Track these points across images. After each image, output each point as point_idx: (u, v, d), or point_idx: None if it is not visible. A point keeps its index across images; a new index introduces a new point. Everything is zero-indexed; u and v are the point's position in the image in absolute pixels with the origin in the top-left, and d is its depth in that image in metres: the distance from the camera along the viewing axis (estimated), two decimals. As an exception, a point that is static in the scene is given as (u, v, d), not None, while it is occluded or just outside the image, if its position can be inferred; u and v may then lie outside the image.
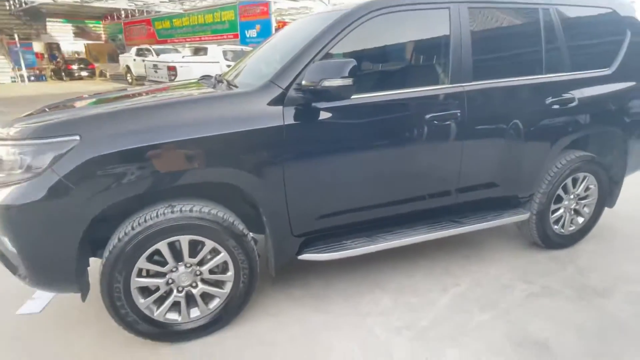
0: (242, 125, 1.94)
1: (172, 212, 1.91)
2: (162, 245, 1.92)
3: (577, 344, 2.10)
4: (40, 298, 2.52)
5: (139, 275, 1.95)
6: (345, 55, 2.15)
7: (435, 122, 2.28)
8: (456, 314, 2.33)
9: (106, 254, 1.87)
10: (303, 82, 1.98)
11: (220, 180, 1.99)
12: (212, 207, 2.02)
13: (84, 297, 1.99)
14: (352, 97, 2.05)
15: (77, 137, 1.74)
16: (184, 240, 1.96)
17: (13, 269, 1.91)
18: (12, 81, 21.28)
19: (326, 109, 2.08)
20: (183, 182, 1.92)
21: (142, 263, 1.91)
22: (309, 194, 2.15)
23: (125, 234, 1.86)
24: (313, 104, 2.05)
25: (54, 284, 1.89)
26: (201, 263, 2.05)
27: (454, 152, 2.39)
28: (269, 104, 2.01)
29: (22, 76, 21.15)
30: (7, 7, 21.83)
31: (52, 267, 1.82)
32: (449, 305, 2.40)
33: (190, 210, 1.94)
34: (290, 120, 2.01)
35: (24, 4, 20.73)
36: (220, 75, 2.93)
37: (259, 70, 2.53)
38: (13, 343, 2.16)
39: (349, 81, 1.88)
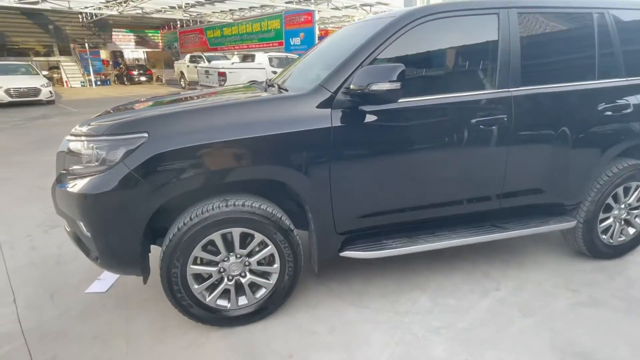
0: (292, 126, 1.99)
1: (227, 205, 1.99)
2: (216, 236, 2.01)
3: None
4: (106, 279, 2.71)
5: (194, 263, 2.04)
6: (392, 60, 2.15)
7: (481, 126, 2.22)
8: (496, 317, 2.26)
9: (166, 241, 1.98)
10: (351, 86, 2.00)
11: (270, 178, 2.05)
12: (262, 202, 2.08)
13: (145, 280, 2.12)
14: (399, 100, 2.04)
15: (146, 135, 1.86)
16: (236, 232, 2.03)
17: (86, 252, 2.07)
18: (82, 85, 22.89)
19: (372, 112, 2.09)
20: (236, 178, 2.00)
21: (197, 251, 2.01)
22: (352, 193, 2.16)
23: (184, 224, 1.96)
24: (360, 107, 2.06)
25: (121, 267, 2.03)
26: (250, 254, 2.12)
27: (498, 157, 2.32)
28: (318, 106, 2.04)
29: (90, 81, 22.73)
30: (80, 20, 23.55)
31: (120, 251, 1.96)
32: (489, 309, 2.33)
33: (243, 205, 2.01)
34: (337, 122, 2.04)
35: (94, 17, 22.26)
36: (270, 80, 3.01)
37: (308, 75, 2.58)
38: (81, 319, 2.33)
39: (397, 85, 1.88)
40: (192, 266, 2.02)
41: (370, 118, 2.08)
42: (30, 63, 15.59)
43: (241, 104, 2.16)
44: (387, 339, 2.11)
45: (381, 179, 2.20)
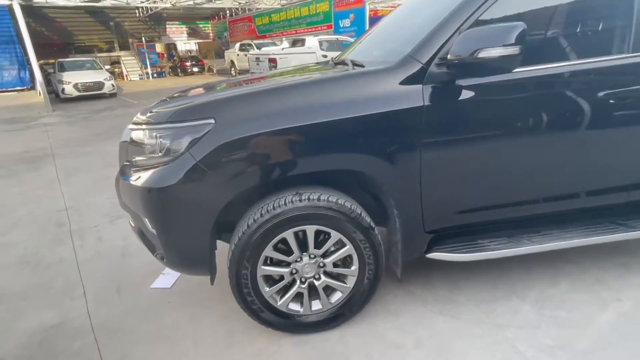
0: (377, 106, 1.68)
1: (300, 200, 1.74)
2: (289, 234, 1.77)
3: None
4: (170, 274, 2.60)
5: (265, 263, 1.83)
6: (496, 22, 1.75)
7: (611, 100, 1.78)
8: (625, 339, 1.84)
9: (235, 240, 1.78)
10: (449, 56, 1.64)
11: (348, 168, 1.77)
12: (339, 196, 1.81)
13: (212, 280, 1.94)
14: (513, 70, 1.66)
15: (212, 121, 1.64)
16: (310, 230, 1.78)
17: (152, 249, 1.93)
18: (140, 78, 23.97)
19: (474, 87, 1.72)
20: (310, 168, 1.73)
21: (268, 251, 1.78)
22: (447, 185, 1.83)
23: (254, 220, 1.74)
24: (459, 81, 1.70)
25: (188, 266, 1.86)
26: (325, 255, 1.87)
27: (634, 139, 1.86)
28: (406, 82, 1.71)
29: (147, 74, 23.71)
30: (137, 15, 24.58)
31: (187, 250, 1.78)
32: (613, 325, 1.91)
33: (318, 199, 1.75)
34: (431, 100, 1.70)
35: (149, 11, 23.10)
36: (335, 58, 2.71)
37: (385, 48, 2.24)
38: (147, 316, 2.22)
39: (515, 49, 1.50)
40: (262, 267, 1.81)
41: (471, 94, 1.71)
42: (94, 59, 16.50)
43: (316, 83, 1.87)
44: (488, 358, 1.78)
45: (483, 169, 1.84)
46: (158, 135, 1.71)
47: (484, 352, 1.81)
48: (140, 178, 1.72)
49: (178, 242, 1.76)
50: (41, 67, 15.22)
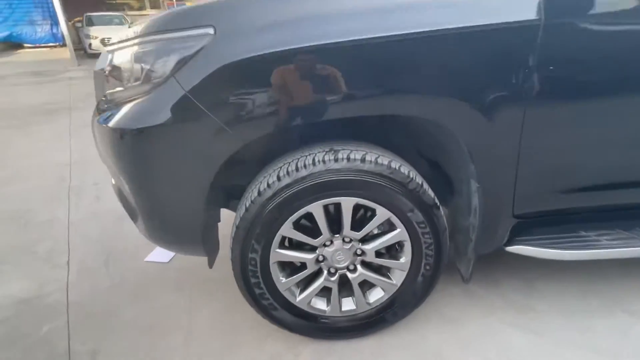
0: (461, 18, 1.08)
1: (336, 159, 1.20)
2: (316, 208, 1.23)
3: None
4: (170, 245, 2.16)
5: (282, 245, 1.33)
6: None
7: None
8: None
9: (241, 211, 1.27)
10: None
11: (418, 114, 1.18)
12: (391, 158, 1.26)
13: (211, 263, 1.46)
14: None
15: (211, 30, 1.09)
16: (347, 204, 1.24)
17: (133, 216, 1.45)
18: (170, 39, 23.51)
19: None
20: (359, 111, 1.16)
21: (287, 229, 1.26)
22: (561, 151, 1.22)
23: (268, 185, 1.21)
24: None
25: (175, 242, 1.37)
26: (365, 240, 1.34)
27: None
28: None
29: (177, 34, 23.20)
30: (169, -28, 23.84)
31: (173, 221, 1.29)
32: None
33: (363, 160, 1.20)
34: (556, 15, 1.08)
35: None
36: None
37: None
38: (135, 297, 1.78)
39: None
40: (278, 250, 1.30)
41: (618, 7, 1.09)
42: (123, 15, 16.10)
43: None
44: (593, 403, 1.23)
45: (623, 130, 1.22)
46: (137, 53, 1.18)
47: (587, 392, 1.27)
48: (110, 117, 1.21)
49: (160, 210, 1.26)
50: (73, 24, 14.99)
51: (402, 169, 1.23)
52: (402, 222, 1.27)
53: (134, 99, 1.16)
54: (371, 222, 1.28)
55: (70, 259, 2.09)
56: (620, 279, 1.73)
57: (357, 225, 1.31)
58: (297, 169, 1.20)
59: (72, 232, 2.36)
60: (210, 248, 1.41)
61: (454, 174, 1.43)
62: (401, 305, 1.42)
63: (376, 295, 1.43)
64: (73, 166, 3.40)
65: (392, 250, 1.41)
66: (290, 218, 1.24)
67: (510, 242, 1.40)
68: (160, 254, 2.07)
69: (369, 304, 1.42)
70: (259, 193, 1.22)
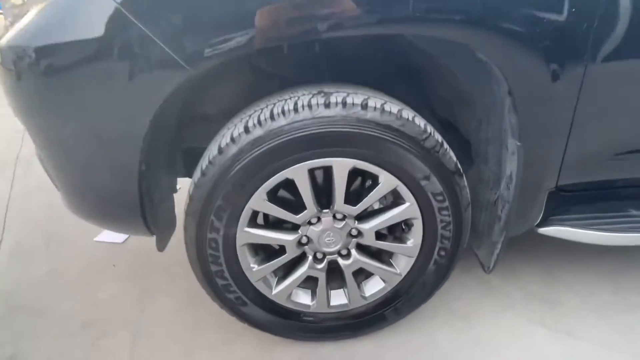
0: None
1: (327, 104, 0.88)
2: (299, 173, 0.91)
3: None
4: (128, 223, 1.82)
5: (252, 223, 1.01)
6: None
7: None
8: None
9: (196, 177, 0.93)
10: None
11: (440, 36, 0.84)
12: (399, 106, 0.94)
13: (161, 245, 1.12)
14: None
15: None
16: (341, 167, 0.92)
17: (56, 184, 1.11)
18: None
19: None
20: (347, 28, 0.82)
21: (259, 202, 0.93)
22: (627, 99, 0.93)
23: (232, 140, 0.88)
24: None
25: (105, 217, 1.02)
26: (363, 217, 1.03)
27: None
28: None
29: None
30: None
31: (98, 187, 0.94)
32: None
33: (364, 107, 0.88)
34: None
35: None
36: None
37: None
38: (76, 286, 1.44)
39: None
40: (247, 229, 0.98)
41: None
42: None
43: None
44: None
45: None
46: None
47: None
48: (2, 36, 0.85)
49: (77, 175, 0.93)
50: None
51: (416, 121, 0.91)
52: (412, 194, 0.95)
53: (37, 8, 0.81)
54: (372, 193, 0.95)
55: (3, 239, 1.74)
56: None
57: (352, 197, 1.00)
58: (272, 117, 0.86)
59: (13, 207, 1.99)
60: (159, 226, 1.08)
61: (475, 135, 1.12)
62: (406, 300, 1.12)
63: (374, 288, 1.12)
64: (26, 133, 3.00)
65: (397, 231, 1.09)
66: (263, 186, 0.92)
67: (543, 222, 1.11)
68: (113, 233, 1.73)
69: (364, 297, 1.12)
70: (220, 151, 0.89)
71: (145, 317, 1.30)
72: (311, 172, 0.93)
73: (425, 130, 0.90)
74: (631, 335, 1.20)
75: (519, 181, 0.93)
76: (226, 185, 0.89)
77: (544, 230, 1.10)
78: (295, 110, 0.85)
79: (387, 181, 0.94)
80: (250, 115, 0.89)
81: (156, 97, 0.81)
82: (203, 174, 0.90)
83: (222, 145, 0.88)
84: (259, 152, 0.86)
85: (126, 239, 1.70)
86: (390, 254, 1.11)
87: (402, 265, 1.08)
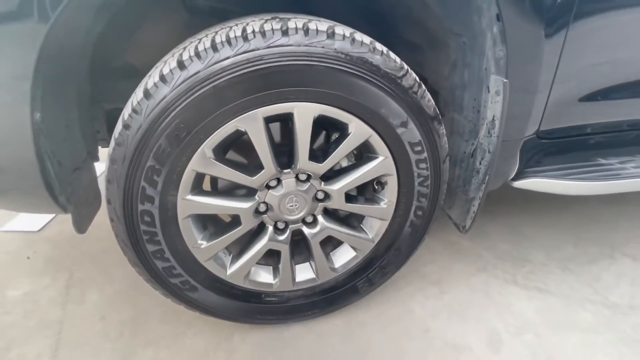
0: None
1: (284, 31, 0.68)
2: (252, 122, 0.72)
3: None
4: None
5: (197, 189, 0.81)
6: None
7: None
8: None
9: (117, 132, 0.70)
10: None
11: None
12: (367, 39, 0.78)
13: (80, 224, 0.88)
14: None
15: None
16: (305, 114, 0.73)
17: None
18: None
19: None
20: None
21: (201, 161, 0.73)
22: (613, 38, 0.83)
23: (163, 79, 0.66)
24: None
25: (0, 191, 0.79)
26: (329, 177, 0.88)
27: None
28: None
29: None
30: None
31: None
32: None
33: (330, 35, 0.70)
34: None
35: None
36: None
37: None
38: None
39: None
40: (190, 197, 0.78)
41: None
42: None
43: None
44: (629, 375, 0.94)
45: None
46: None
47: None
48: None
49: None
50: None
51: (391, 55, 0.75)
52: (387, 145, 0.81)
53: None
54: (342, 146, 0.79)
55: None
56: (612, 220, 1.48)
57: (318, 154, 0.83)
58: (214, 47, 0.66)
59: None
60: (76, 201, 0.84)
61: (447, 82, 0.99)
62: (379, 268, 0.99)
63: (344, 257, 0.98)
64: None
65: (367, 192, 0.96)
66: (207, 141, 0.72)
67: (518, 175, 1.03)
68: (27, 221, 1.42)
69: (334, 270, 0.97)
70: (147, 94, 0.67)
71: (70, 317, 1.05)
72: (267, 119, 0.75)
73: (402, 67, 0.75)
74: (597, 284, 1.18)
75: (503, 126, 0.83)
76: (158, 140, 0.68)
77: (519, 184, 1.02)
78: (245, 37, 0.66)
79: (359, 131, 0.78)
80: (185, 47, 0.68)
81: (39, 22, 0.58)
82: (126, 126, 0.68)
83: (149, 87, 0.67)
84: (198, 94, 0.66)
85: (43, 227, 1.40)
86: (360, 219, 0.97)
87: (375, 229, 0.94)
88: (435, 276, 1.20)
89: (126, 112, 0.69)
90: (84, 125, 0.92)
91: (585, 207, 1.54)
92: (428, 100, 0.79)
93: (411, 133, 0.79)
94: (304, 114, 0.73)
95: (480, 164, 0.91)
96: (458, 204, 1.04)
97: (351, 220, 0.98)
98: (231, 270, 0.89)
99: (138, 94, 0.68)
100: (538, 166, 1.03)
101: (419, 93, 0.77)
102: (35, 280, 1.18)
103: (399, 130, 0.79)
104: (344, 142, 0.79)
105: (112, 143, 0.71)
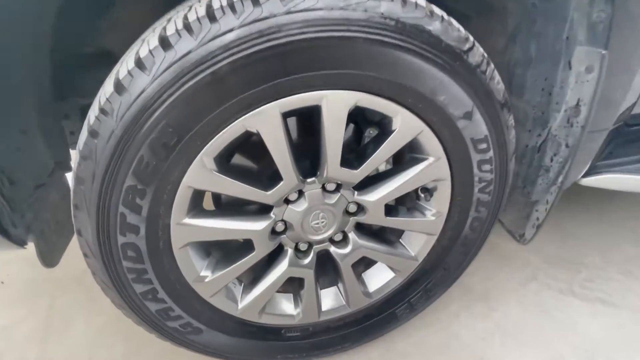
0: None
1: (309, -13, 0.50)
2: (267, 120, 0.52)
3: None
4: None
5: (195, 209, 0.61)
6: None
7: None
8: None
9: (82, 140, 0.51)
10: None
11: None
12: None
13: (46, 258, 0.67)
14: None
15: None
16: (337, 105, 0.53)
17: None
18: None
19: None
20: None
21: (200, 173, 0.54)
22: None
23: (139, 65, 0.47)
24: None
25: None
26: (363, 185, 0.69)
27: None
28: None
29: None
30: None
31: None
32: None
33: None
34: None
35: None
36: None
37: None
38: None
39: None
40: (188, 220, 0.59)
41: None
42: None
43: None
44: None
45: None
46: None
47: None
48: None
49: None
50: None
51: (453, 22, 0.56)
52: (442, 143, 0.63)
53: None
54: (385, 145, 0.60)
55: None
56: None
57: (350, 157, 0.65)
58: (211, 16, 0.47)
59: None
60: (40, 228, 0.66)
61: (504, 58, 0.80)
62: (424, 292, 0.81)
63: (379, 280, 0.80)
64: None
65: (407, 200, 0.77)
66: (207, 147, 0.52)
67: (588, 172, 0.85)
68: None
69: (367, 294, 0.80)
70: (119, 87, 0.47)
71: (50, 356, 0.89)
72: (287, 115, 0.56)
73: (467, 38, 0.56)
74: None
75: (592, 113, 0.63)
76: (138, 151, 0.49)
77: (589, 181, 0.83)
78: (254, 0, 0.46)
79: (407, 126, 0.59)
80: (170, 19, 0.49)
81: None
82: (93, 133, 0.49)
83: (121, 77, 0.47)
84: (190, 84, 0.47)
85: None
86: (398, 233, 0.78)
87: (418, 246, 0.76)
88: (480, 289, 1.03)
89: (92, 113, 0.50)
90: (49, 128, 0.73)
91: (635, 196, 1.36)
92: (498, 83, 0.60)
93: (476, 126, 0.60)
94: (336, 106, 0.54)
95: (551, 160, 0.72)
96: (514, 207, 0.86)
97: (387, 235, 0.80)
98: (243, 305, 0.71)
99: (107, 87, 0.49)
100: (611, 158, 0.85)
101: (487, 73, 0.58)
102: (9, 310, 1.00)
103: (461, 124, 0.59)
104: (387, 141, 0.60)
105: (77, 156, 0.52)
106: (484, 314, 0.96)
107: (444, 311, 0.96)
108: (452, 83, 0.55)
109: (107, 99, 0.47)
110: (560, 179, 0.72)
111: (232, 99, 0.49)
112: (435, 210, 0.71)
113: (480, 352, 0.87)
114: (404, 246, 0.77)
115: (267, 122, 0.53)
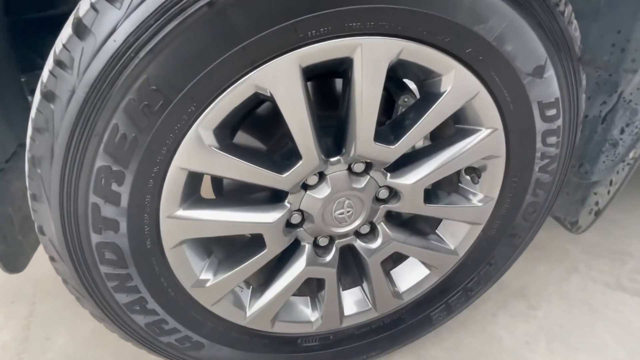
0: None
1: None
2: (282, 76, 0.39)
3: None
4: None
5: (191, 199, 0.49)
6: None
7: None
8: None
9: (34, 108, 0.39)
10: None
11: None
12: None
13: (8, 262, 0.54)
14: None
15: None
16: (374, 57, 0.41)
17: None
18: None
19: None
20: None
21: (193, 152, 0.42)
22: None
23: (94, 8, 0.36)
24: None
25: None
26: (396, 166, 0.56)
27: None
28: None
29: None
30: None
31: None
32: None
33: None
34: None
35: None
36: None
37: None
38: None
39: None
40: (181, 213, 0.45)
41: None
42: None
43: None
44: None
45: None
46: None
47: None
48: None
49: None
50: None
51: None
52: (499, 110, 0.50)
53: None
54: (431, 112, 0.46)
55: None
56: None
57: (383, 130, 0.52)
58: None
59: None
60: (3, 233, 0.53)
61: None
62: (464, 291, 0.69)
63: (411, 278, 0.67)
64: None
65: (446, 184, 0.65)
66: (202, 116, 0.40)
67: None
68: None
69: (397, 295, 0.68)
70: (79, 28, 0.34)
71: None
72: (305, 75, 0.43)
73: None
74: None
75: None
76: (110, 118, 0.37)
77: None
78: None
79: (461, 85, 0.46)
80: None
81: None
82: (47, 95, 0.36)
83: (81, 15, 0.34)
84: (179, 23, 0.34)
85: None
86: (434, 223, 0.66)
87: (459, 238, 0.64)
88: (517, 284, 0.91)
89: (47, 68, 0.37)
90: (10, 104, 0.59)
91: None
92: (575, 29, 0.47)
93: (546, 86, 0.47)
94: (374, 58, 0.41)
95: (622, 132, 0.60)
96: (563, 189, 0.73)
97: (420, 225, 0.67)
98: (252, 312, 0.59)
99: (65, 30, 0.36)
100: None
101: (566, 15, 0.45)
102: (-17, 320, 0.88)
103: (527, 82, 0.47)
104: (434, 107, 0.47)
105: (30, 129, 0.39)
106: (524, 314, 0.84)
107: (479, 309, 0.84)
108: (524, 26, 0.42)
109: (64, 46, 0.34)
110: (632, 154, 0.59)
111: (236, 45, 0.36)
112: (483, 195, 0.59)
113: (522, 356, 0.76)
114: (441, 238, 0.65)
115: (284, 80, 0.40)
